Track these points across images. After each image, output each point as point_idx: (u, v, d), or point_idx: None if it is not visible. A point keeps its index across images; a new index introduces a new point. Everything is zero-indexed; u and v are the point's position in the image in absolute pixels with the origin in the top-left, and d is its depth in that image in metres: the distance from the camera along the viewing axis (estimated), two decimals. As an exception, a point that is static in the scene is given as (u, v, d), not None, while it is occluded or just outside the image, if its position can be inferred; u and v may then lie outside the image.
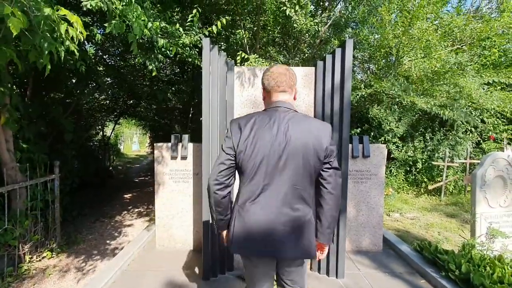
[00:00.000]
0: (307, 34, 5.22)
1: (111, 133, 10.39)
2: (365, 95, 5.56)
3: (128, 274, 2.82)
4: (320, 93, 2.82)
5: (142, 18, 2.54)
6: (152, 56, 3.46)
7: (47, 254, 3.28)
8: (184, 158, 3.33)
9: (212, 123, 2.63)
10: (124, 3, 2.37)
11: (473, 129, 6.58)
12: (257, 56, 3.88)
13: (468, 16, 5.96)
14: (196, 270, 2.89)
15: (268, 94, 1.43)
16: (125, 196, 6.48)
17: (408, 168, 6.68)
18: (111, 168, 9.58)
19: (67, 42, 1.97)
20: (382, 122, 6.38)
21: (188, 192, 3.37)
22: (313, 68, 2.93)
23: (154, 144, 3.48)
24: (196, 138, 3.45)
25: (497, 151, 6.03)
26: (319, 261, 2.76)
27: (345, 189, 2.68)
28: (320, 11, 5.80)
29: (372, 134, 6.62)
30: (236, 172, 1.41)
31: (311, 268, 2.87)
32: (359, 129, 6.74)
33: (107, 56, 5.87)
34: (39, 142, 3.71)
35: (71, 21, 1.85)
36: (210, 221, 2.64)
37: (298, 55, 5.90)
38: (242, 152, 1.31)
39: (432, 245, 3.05)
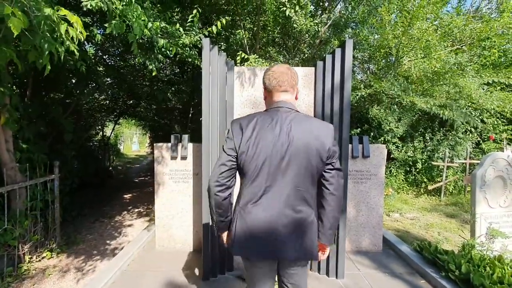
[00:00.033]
0: (307, 35, 5.23)
1: (111, 133, 10.39)
2: (365, 95, 5.57)
3: (128, 274, 2.82)
4: (320, 93, 2.82)
5: (142, 18, 2.54)
6: (152, 56, 3.46)
7: (46, 254, 3.28)
8: (184, 158, 3.33)
9: (212, 123, 2.63)
10: (124, 3, 2.37)
11: (472, 129, 6.59)
12: (257, 56, 3.89)
13: (468, 17, 5.96)
14: (196, 270, 2.89)
15: (269, 94, 1.41)
16: (125, 196, 6.48)
17: (408, 168, 6.68)
18: (111, 168, 9.58)
19: (67, 42, 1.97)
20: (382, 122, 6.38)
21: (188, 192, 3.36)
22: (313, 68, 2.93)
23: (154, 144, 3.48)
24: (196, 138, 3.45)
25: (497, 151, 6.04)
26: (319, 261, 2.76)
27: (345, 189, 2.68)
28: (320, 12, 5.80)
29: (372, 134, 6.62)
30: (237, 173, 1.39)
31: (311, 268, 2.87)
32: (359, 129, 6.74)
33: (107, 56, 5.87)
34: (38, 142, 3.71)
35: (71, 22, 1.86)
36: (210, 222, 2.63)
37: (298, 55, 5.91)
38: (244, 153, 1.29)
39: (432, 245, 3.05)
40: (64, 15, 1.82)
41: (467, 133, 6.66)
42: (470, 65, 5.69)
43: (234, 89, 2.84)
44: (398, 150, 6.62)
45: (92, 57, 4.58)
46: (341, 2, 5.82)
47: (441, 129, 6.62)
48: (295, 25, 4.54)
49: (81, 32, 1.92)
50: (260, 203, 1.30)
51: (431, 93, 5.55)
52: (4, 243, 2.86)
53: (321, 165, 1.31)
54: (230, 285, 2.63)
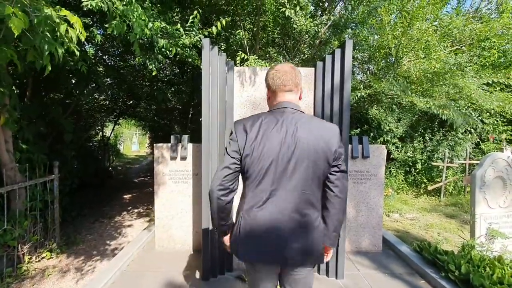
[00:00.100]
0: (306, 35, 5.23)
1: (111, 133, 10.39)
2: (365, 96, 5.57)
3: (128, 274, 2.82)
4: (320, 93, 2.83)
5: (142, 18, 2.55)
6: (152, 56, 3.47)
7: (46, 255, 3.27)
8: (183, 158, 3.33)
9: (212, 123, 2.63)
10: (124, 3, 2.38)
11: (472, 130, 6.59)
12: (257, 57, 3.89)
13: (468, 17, 5.98)
14: (196, 271, 2.88)
15: (273, 94, 1.36)
16: (125, 196, 6.48)
17: (408, 169, 6.69)
18: (110, 168, 9.58)
19: (68, 43, 1.97)
20: (382, 123, 6.38)
21: (187, 192, 3.36)
22: (313, 68, 2.94)
23: (154, 144, 3.48)
24: (196, 138, 3.45)
25: (496, 151, 6.04)
26: (319, 261, 2.76)
27: (345, 189, 2.68)
28: (320, 12, 5.81)
29: (371, 134, 6.62)
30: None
31: (310, 268, 2.87)
32: (359, 129, 6.74)
33: (106, 56, 5.87)
34: (38, 142, 3.71)
35: (71, 22, 1.86)
36: (210, 223, 2.63)
37: (298, 56, 5.91)
38: (249, 156, 1.24)
39: (432, 246, 3.05)
40: (65, 16, 1.83)
41: (467, 134, 6.66)
42: (469, 66, 5.70)
43: (234, 89, 2.84)
44: (398, 151, 6.63)
45: (92, 58, 4.59)
46: (341, 3, 5.83)
47: (441, 129, 6.63)
48: (295, 26, 4.54)
49: (81, 33, 1.93)
50: (265, 207, 1.25)
51: (431, 94, 5.55)
52: (3, 243, 2.85)
53: (328, 168, 1.27)
54: (230, 286, 2.63)
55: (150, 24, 2.78)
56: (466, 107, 6.03)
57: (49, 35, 1.86)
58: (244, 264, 1.43)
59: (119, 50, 5.57)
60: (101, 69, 5.32)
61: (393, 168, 6.65)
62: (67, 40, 1.93)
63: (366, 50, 6.03)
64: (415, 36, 5.08)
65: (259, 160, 1.23)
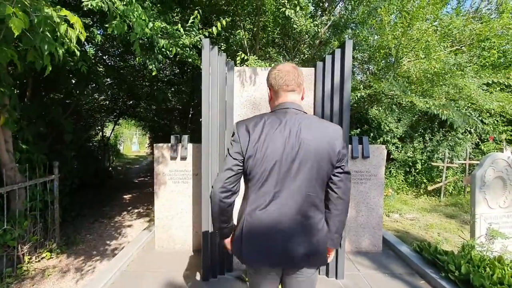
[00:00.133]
0: (306, 35, 5.23)
1: (111, 133, 10.40)
2: (365, 96, 5.57)
3: (127, 275, 2.82)
4: (320, 93, 2.82)
5: (143, 18, 2.55)
6: (152, 56, 3.47)
7: (46, 255, 3.27)
8: (183, 158, 3.33)
9: (212, 123, 2.63)
10: (124, 3, 2.38)
11: (472, 130, 6.59)
12: (257, 57, 3.89)
13: (468, 17, 5.97)
14: (196, 271, 2.88)
15: (275, 94, 1.33)
16: (125, 196, 6.48)
17: (408, 169, 6.69)
18: (110, 168, 9.58)
19: (68, 43, 1.97)
20: (382, 123, 6.38)
21: (187, 192, 3.36)
22: (313, 69, 2.94)
23: (154, 144, 3.48)
24: (196, 138, 3.45)
25: (496, 151, 6.05)
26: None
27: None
28: (320, 12, 5.81)
29: (371, 134, 6.62)
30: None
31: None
32: (359, 129, 6.74)
33: (106, 56, 5.87)
34: (38, 142, 3.71)
35: (71, 22, 1.86)
36: (210, 223, 2.63)
37: (298, 56, 5.91)
38: (252, 157, 1.22)
39: (432, 246, 3.05)
40: (65, 16, 1.83)
41: (467, 134, 6.67)
42: (469, 66, 5.70)
43: (234, 89, 2.84)
44: (398, 151, 6.63)
45: (92, 58, 4.59)
46: (341, 3, 5.83)
47: (441, 129, 6.63)
48: (295, 26, 4.54)
49: (81, 33, 1.93)
50: (269, 209, 1.23)
51: (431, 94, 5.55)
52: (3, 243, 2.85)
53: (331, 169, 1.26)
54: (230, 286, 2.63)
55: (151, 24, 2.79)
56: (466, 107, 6.03)
57: (49, 35, 1.86)
58: (246, 266, 1.40)
59: (119, 50, 5.58)
60: (101, 69, 5.33)
61: (393, 168, 6.65)
62: (67, 40, 1.93)
63: (366, 50, 6.03)
64: (415, 36, 5.08)
65: (262, 161, 1.21)
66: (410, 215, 5.04)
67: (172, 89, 7.37)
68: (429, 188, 6.16)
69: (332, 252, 1.41)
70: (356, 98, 5.36)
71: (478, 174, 3.00)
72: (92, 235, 4.13)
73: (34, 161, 3.39)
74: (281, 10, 4.36)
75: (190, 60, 3.81)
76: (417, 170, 6.62)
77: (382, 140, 6.45)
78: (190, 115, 7.85)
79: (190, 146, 3.34)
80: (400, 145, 6.65)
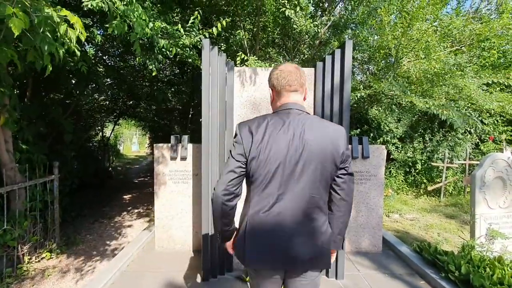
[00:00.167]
0: (306, 35, 5.23)
1: (111, 134, 10.39)
2: (365, 96, 5.57)
3: (127, 275, 2.81)
4: (320, 94, 2.83)
5: (143, 18, 2.55)
6: (152, 56, 3.47)
7: (46, 255, 3.27)
8: (183, 159, 3.33)
9: (212, 124, 2.63)
10: (125, 3, 2.38)
11: (472, 130, 6.60)
12: (256, 58, 3.89)
13: (467, 17, 5.98)
14: (196, 271, 2.88)
15: (278, 94, 1.31)
16: (125, 196, 6.48)
17: (408, 169, 6.69)
18: (110, 169, 9.57)
19: (68, 43, 1.98)
20: (382, 123, 6.39)
21: (187, 193, 3.36)
22: (313, 69, 2.94)
23: (154, 144, 3.48)
24: (196, 139, 3.45)
25: (496, 152, 6.05)
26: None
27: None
28: (320, 12, 5.81)
29: (371, 135, 6.63)
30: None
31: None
32: (359, 130, 6.75)
33: (106, 57, 5.87)
34: (38, 142, 3.71)
35: (71, 22, 1.86)
36: (210, 223, 2.63)
37: (298, 56, 5.91)
38: (255, 159, 1.20)
39: (432, 246, 3.05)
40: (65, 16, 1.83)
41: (467, 134, 6.67)
42: (469, 66, 5.70)
43: (234, 89, 2.84)
44: (398, 151, 6.63)
45: (92, 58, 4.59)
46: (341, 3, 5.84)
47: (441, 130, 6.63)
48: (295, 26, 4.55)
49: (81, 33, 1.93)
50: (272, 211, 1.21)
51: (431, 94, 5.56)
52: (3, 243, 2.85)
53: (335, 170, 1.24)
54: (230, 286, 2.63)
55: (151, 24, 2.79)
56: (466, 108, 6.03)
57: (49, 35, 1.86)
58: (248, 268, 1.38)
59: (119, 50, 5.58)
60: (101, 69, 5.33)
61: (393, 168, 6.65)
62: (67, 40, 1.93)
63: (366, 50, 6.04)
64: (415, 36, 5.08)
65: (266, 163, 1.19)
66: (410, 215, 5.04)
67: (172, 89, 7.37)
68: (429, 188, 6.16)
69: (334, 254, 1.40)
70: (356, 98, 5.36)
71: (478, 174, 3.00)
72: (92, 235, 4.13)
73: (34, 161, 3.39)
74: (281, 10, 4.36)
75: (190, 60, 3.82)
76: (417, 170, 6.62)
77: (382, 140, 6.45)
78: (190, 115, 7.86)
79: (190, 146, 3.34)
80: (400, 145, 6.66)
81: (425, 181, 6.52)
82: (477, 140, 6.80)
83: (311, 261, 1.24)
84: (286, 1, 4.26)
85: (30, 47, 2.02)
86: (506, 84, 5.66)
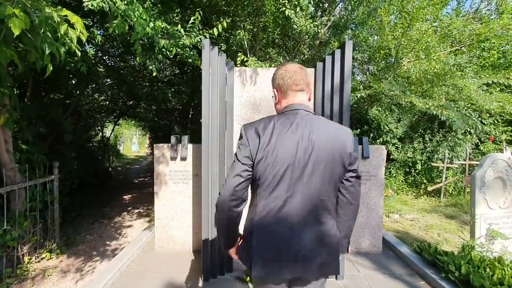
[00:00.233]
0: (306, 36, 5.23)
1: (111, 134, 10.40)
2: (365, 96, 5.58)
3: (127, 275, 2.81)
4: (320, 94, 2.83)
5: (143, 18, 2.55)
6: (153, 56, 3.47)
7: (46, 255, 3.27)
8: (183, 159, 3.33)
9: (212, 124, 2.63)
10: (125, 3, 2.38)
11: (472, 130, 6.60)
12: (256, 59, 3.90)
13: (467, 18, 5.98)
14: (196, 271, 2.88)
15: (283, 94, 1.27)
16: (125, 197, 6.47)
17: (408, 169, 6.69)
18: (110, 169, 9.57)
19: (69, 43, 1.98)
20: (381, 123, 6.39)
21: (187, 193, 3.36)
22: (313, 69, 2.94)
23: (154, 145, 3.48)
24: (196, 139, 3.45)
25: (496, 152, 6.05)
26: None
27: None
28: (320, 13, 5.82)
29: (371, 135, 6.63)
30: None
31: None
32: (359, 130, 6.75)
33: (107, 57, 5.88)
34: (38, 143, 3.71)
35: (72, 22, 1.86)
36: (210, 223, 2.63)
37: (298, 56, 5.91)
38: (262, 160, 1.15)
39: (432, 247, 3.05)
40: (65, 16, 1.83)
41: (467, 135, 6.67)
42: (469, 66, 5.71)
43: (234, 89, 2.84)
44: (398, 151, 6.63)
45: (92, 58, 4.59)
46: (341, 4, 5.84)
47: (441, 130, 6.64)
48: (295, 26, 4.55)
49: (82, 33, 1.93)
50: (280, 215, 1.16)
51: (431, 94, 5.56)
52: (3, 244, 2.85)
53: (343, 172, 1.21)
54: (230, 286, 2.63)
55: (152, 24, 2.79)
56: (465, 108, 6.04)
57: (50, 36, 1.86)
58: (254, 274, 1.28)
59: (119, 50, 5.58)
60: (101, 69, 5.33)
61: (393, 168, 6.65)
62: (68, 40, 1.93)
63: (366, 50, 6.05)
64: (415, 37, 5.09)
65: (273, 165, 1.14)
66: (410, 216, 5.04)
67: (172, 89, 7.37)
68: (429, 188, 6.16)
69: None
70: (356, 98, 5.37)
71: (478, 174, 3.00)
72: (92, 236, 4.12)
73: (34, 161, 3.39)
74: (281, 10, 4.37)
75: (190, 60, 3.82)
76: (417, 171, 6.62)
77: (382, 140, 6.46)
78: (190, 115, 7.86)
79: (190, 146, 3.34)
80: (400, 146, 6.66)
81: (425, 181, 6.53)
82: (477, 141, 6.80)
83: (320, 267, 1.20)
84: (286, 1, 4.26)
85: (31, 47, 2.02)
86: (506, 84, 5.67)
